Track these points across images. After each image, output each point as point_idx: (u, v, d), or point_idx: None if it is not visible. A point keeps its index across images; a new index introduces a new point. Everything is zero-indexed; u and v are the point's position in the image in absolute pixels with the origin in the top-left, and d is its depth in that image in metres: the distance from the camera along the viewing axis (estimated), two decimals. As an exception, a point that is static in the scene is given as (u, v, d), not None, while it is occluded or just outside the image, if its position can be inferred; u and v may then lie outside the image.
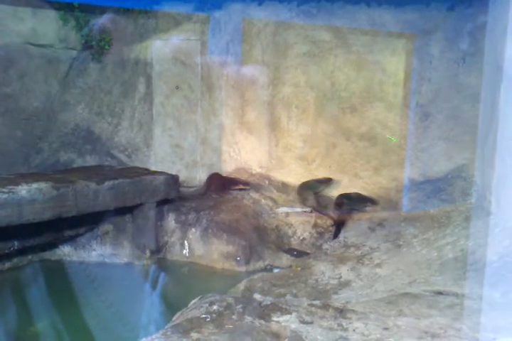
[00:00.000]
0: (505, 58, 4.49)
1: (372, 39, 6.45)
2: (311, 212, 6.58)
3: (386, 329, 3.12)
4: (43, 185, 5.26)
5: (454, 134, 6.02)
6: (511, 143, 4.40)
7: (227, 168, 7.60)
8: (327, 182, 6.81)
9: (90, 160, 7.64)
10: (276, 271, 5.80)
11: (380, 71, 6.46)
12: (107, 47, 7.45)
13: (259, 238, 6.28)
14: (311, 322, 3.21)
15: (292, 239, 6.32)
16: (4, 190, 4.97)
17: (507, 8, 4.79)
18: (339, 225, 6.18)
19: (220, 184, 7.29)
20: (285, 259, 6.08)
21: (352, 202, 6.46)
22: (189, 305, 3.62)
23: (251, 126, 7.40)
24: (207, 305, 3.42)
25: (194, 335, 3.00)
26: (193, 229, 6.39)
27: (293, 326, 3.14)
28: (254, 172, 7.45)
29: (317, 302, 3.65)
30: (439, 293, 3.81)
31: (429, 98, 6.12)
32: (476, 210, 5.36)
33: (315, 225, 6.33)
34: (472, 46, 5.77)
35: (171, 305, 4.90)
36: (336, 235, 6.05)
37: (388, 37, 6.36)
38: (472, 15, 5.75)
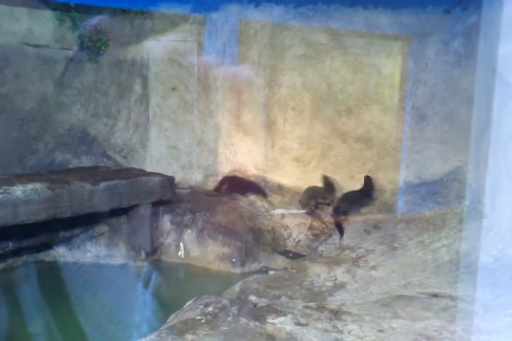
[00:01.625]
0: (500, 61, 4.50)
1: (368, 41, 6.46)
2: (307, 213, 6.57)
3: (381, 331, 3.13)
4: (38, 185, 5.24)
5: (449, 137, 6.04)
6: (506, 145, 4.42)
7: (224, 170, 7.60)
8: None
9: (86, 161, 7.61)
10: (271, 272, 5.80)
11: (376, 73, 6.48)
12: (103, 47, 7.43)
13: (255, 240, 6.28)
14: (306, 324, 3.21)
15: (288, 241, 6.32)
16: (-1, 190, 4.95)
17: (501, 11, 4.82)
18: (339, 226, 6.14)
19: (238, 187, 7.25)
20: (280, 261, 6.08)
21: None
22: (184, 307, 3.62)
23: (247, 127, 7.40)
24: (202, 306, 3.42)
25: (189, 337, 3.00)
26: (189, 231, 6.38)
27: (288, 328, 3.14)
28: (250, 173, 7.44)
29: (312, 304, 3.66)
30: (434, 295, 3.82)
31: (425, 100, 6.14)
32: (470, 213, 5.37)
33: (310, 227, 6.33)
34: (468, 49, 5.80)
35: (166, 307, 4.88)
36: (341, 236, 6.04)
37: (384, 39, 6.38)
38: (468, 18, 5.78)
